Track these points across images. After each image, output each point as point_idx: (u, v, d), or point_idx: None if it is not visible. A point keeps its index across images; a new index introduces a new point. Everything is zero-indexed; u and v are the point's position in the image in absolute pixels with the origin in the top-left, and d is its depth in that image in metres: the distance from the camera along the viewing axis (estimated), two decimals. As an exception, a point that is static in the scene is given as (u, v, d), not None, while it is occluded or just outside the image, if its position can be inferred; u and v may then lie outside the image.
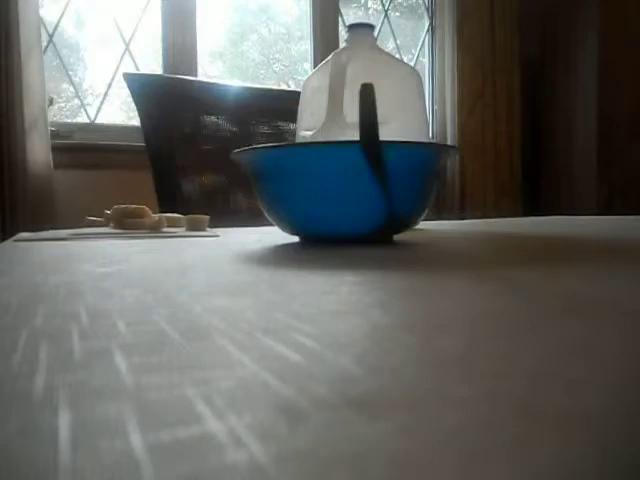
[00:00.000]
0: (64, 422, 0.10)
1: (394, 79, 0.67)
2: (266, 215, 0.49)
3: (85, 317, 0.19)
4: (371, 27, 0.67)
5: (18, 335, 0.17)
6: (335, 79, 0.57)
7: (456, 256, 0.41)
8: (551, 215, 1.16)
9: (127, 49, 2.04)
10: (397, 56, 2.27)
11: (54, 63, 1.96)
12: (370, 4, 2.48)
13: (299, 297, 0.23)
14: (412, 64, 2.37)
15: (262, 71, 2.35)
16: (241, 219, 1.13)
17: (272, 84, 2.30)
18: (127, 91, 1.16)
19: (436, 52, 2.48)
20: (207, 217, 0.70)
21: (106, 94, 2.02)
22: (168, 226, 0.72)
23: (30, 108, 1.73)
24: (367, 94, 0.43)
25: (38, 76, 1.75)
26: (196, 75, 2.04)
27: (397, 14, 2.50)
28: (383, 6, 2.44)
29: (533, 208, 2.37)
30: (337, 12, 2.31)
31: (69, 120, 2.01)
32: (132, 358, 0.14)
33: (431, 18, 2.51)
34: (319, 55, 2.24)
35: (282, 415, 0.10)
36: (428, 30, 2.52)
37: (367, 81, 0.43)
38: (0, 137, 1.70)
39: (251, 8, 2.31)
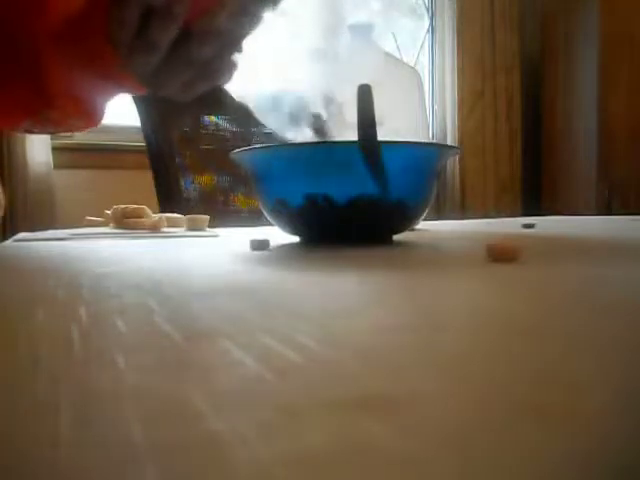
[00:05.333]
0: (65, 422, 0.10)
1: (394, 79, 0.67)
2: (266, 215, 0.49)
3: (85, 317, 0.19)
4: (371, 27, 0.67)
5: (19, 335, 0.17)
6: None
7: (456, 256, 0.41)
8: (551, 215, 1.16)
9: (127, 49, 2.03)
10: (397, 56, 2.27)
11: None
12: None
13: (299, 297, 0.23)
14: (412, 64, 2.37)
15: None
16: (241, 219, 1.12)
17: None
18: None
19: (436, 52, 2.48)
20: (207, 217, 0.70)
21: (106, 94, 2.02)
22: (168, 226, 0.72)
23: (30, 108, 1.73)
24: (364, 95, 0.43)
25: (38, 76, 1.75)
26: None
27: (397, 14, 2.50)
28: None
29: (533, 208, 2.37)
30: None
31: (69, 120, 2.01)
32: (132, 358, 0.14)
33: (431, 18, 2.50)
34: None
35: (282, 415, 0.10)
36: (428, 30, 2.52)
37: (367, 81, 0.43)
38: (0, 137, 1.70)
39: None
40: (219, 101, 1.17)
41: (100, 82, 0.50)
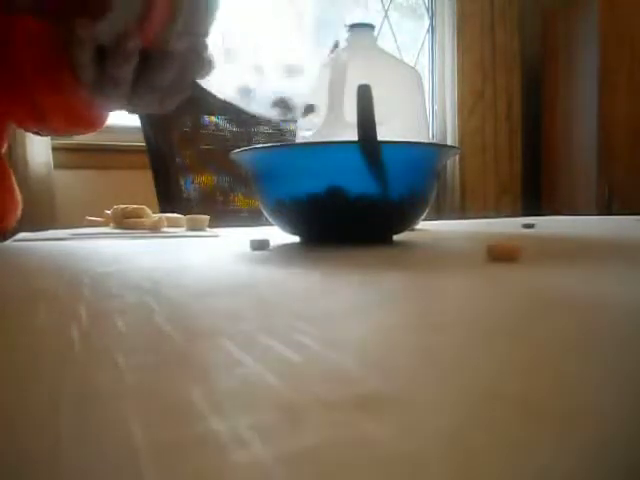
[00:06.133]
0: (65, 422, 0.10)
1: (394, 79, 0.67)
2: (266, 215, 0.49)
3: (85, 317, 0.19)
4: (371, 27, 0.67)
5: (19, 335, 0.17)
6: (335, 79, 0.57)
7: (456, 256, 0.41)
8: (551, 215, 1.16)
9: (127, 49, 2.03)
10: (397, 56, 2.27)
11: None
12: (370, 4, 2.48)
13: (299, 297, 0.23)
14: (412, 64, 2.37)
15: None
16: (241, 219, 1.13)
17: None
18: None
19: (436, 52, 2.48)
20: (207, 217, 0.70)
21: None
22: (168, 226, 0.72)
23: (30, 108, 1.73)
24: (364, 95, 0.43)
25: (38, 76, 1.75)
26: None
27: (397, 14, 2.50)
28: (383, 6, 2.44)
29: (533, 208, 2.37)
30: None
31: (69, 120, 2.01)
32: (132, 358, 0.14)
33: (431, 18, 2.51)
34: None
35: (282, 415, 0.10)
36: (428, 30, 2.52)
37: (367, 81, 0.43)
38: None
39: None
40: (205, 101, 1.16)
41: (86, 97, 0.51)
